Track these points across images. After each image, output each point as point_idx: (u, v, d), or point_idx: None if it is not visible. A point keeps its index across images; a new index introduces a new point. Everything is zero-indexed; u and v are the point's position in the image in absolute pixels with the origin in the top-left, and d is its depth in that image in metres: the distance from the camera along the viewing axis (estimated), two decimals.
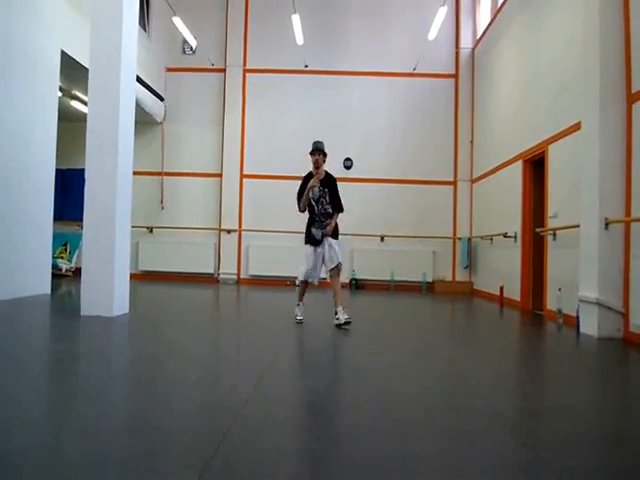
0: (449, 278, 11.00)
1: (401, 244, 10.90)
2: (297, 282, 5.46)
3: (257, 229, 10.97)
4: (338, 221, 5.53)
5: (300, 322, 5.46)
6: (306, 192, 5.36)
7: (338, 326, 5.16)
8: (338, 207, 5.46)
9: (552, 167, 6.93)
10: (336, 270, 5.43)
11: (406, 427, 2.36)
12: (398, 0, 11.22)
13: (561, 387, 3.29)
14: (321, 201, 5.39)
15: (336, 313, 5.25)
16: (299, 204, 5.45)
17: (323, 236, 5.39)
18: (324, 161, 5.41)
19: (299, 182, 5.55)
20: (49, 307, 6.33)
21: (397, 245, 10.88)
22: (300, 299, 5.64)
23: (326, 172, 5.46)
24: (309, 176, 5.46)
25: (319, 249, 5.42)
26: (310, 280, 5.53)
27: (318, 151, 5.38)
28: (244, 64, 11.25)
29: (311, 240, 5.43)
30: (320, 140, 5.57)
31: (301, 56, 10.89)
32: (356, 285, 10.70)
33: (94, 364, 3.42)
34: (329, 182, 5.44)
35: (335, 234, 5.48)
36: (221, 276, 11.02)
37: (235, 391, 2.84)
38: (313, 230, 5.40)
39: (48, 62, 7.01)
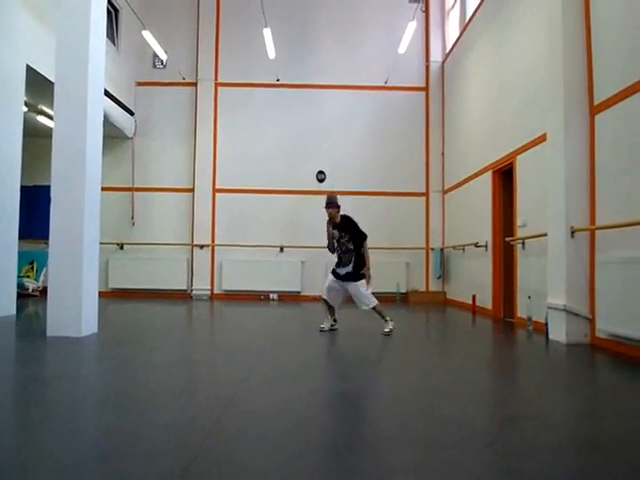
0: (423, 288, 11.09)
1: (375, 256, 10.83)
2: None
3: (230, 244, 10.89)
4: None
5: (322, 330, 5.94)
6: (329, 238, 5.93)
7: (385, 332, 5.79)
8: (360, 239, 5.87)
9: (520, 177, 7.08)
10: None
11: (378, 439, 2.35)
12: (369, 14, 11.41)
13: (531, 394, 3.32)
14: (341, 242, 5.88)
15: (385, 322, 5.87)
16: (329, 249, 6.00)
17: (350, 277, 5.84)
18: (338, 212, 5.90)
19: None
20: (14, 328, 6.12)
21: (371, 257, 10.89)
22: (327, 314, 6.06)
23: (342, 216, 5.94)
24: (330, 221, 5.95)
25: (341, 282, 5.88)
26: (324, 296, 5.99)
27: (331, 204, 5.85)
28: (216, 78, 11.23)
29: (333, 273, 5.98)
30: (333, 195, 5.98)
31: (273, 70, 10.94)
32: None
33: (60, 387, 3.31)
34: (345, 225, 5.89)
35: (358, 275, 5.82)
36: (194, 292, 10.88)
37: (206, 411, 2.78)
38: (337, 270, 5.94)
39: (13, 76, 6.86)
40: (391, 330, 5.79)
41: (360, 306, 5.86)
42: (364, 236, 5.89)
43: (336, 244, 5.93)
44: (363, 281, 5.81)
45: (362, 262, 5.85)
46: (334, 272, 5.96)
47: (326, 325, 6.00)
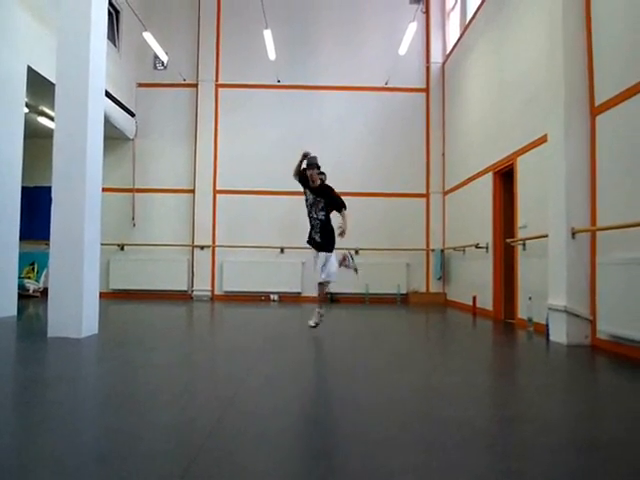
0: (423, 289, 11.08)
1: (375, 257, 10.96)
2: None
3: (231, 245, 10.89)
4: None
5: (313, 327, 5.85)
6: (299, 162, 5.88)
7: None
8: (340, 207, 5.82)
9: (521, 179, 7.08)
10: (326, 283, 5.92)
11: (379, 440, 2.34)
12: (369, 15, 11.42)
13: (532, 396, 3.32)
14: (314, 208, 5.82)
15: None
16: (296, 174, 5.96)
17: (320, 246, 5.83)
18: (319, 175, 5.85)
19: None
20: (15, 329, 6.12)
21: (371, 258, 10.92)
22: (319, 307, 5.96)
23: (321, 183, 5.87)
24: (307, 183, 5.91)
25: (318, 254, 5.84)
26: (319, 279, 5.84)
27: (312, 165, 5.78)
28: (216, 79, 11.24)
29: (311, 242, 5.91)
30: (314, 157, 5.91)
31: (273, 71, 10.95)
32: (331, 299, 10.68)
33: (61, 388, 3.31)
34: (322, 190, 5.84)
35: (331, 245, 5.82)
36: (195, 293, 10.88)
37: (206, 411, 2.78)
38: (312, 233, 5.88)
39: (14, 78, 6.87)
40: (316, 324, 5.83)
41: (321, 275, 5.79)
42: (344, 205, 5.85)
43: (308, 208, 5.89)
44: (334, 255, 5.86)
45: (328, 234, 5.83)
46: (310, 239, 5.92)
47: (315, 320, 5.89)
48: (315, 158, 5.84)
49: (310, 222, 5.90)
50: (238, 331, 6.45)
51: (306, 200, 5.89)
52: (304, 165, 5.87)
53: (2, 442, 2.30)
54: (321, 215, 5.80)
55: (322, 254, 5.82)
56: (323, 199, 5.80)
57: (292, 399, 3.16)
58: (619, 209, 4.78)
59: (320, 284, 5.90)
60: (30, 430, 2.43)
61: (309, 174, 5.78)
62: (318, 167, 5.80)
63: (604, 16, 5.14)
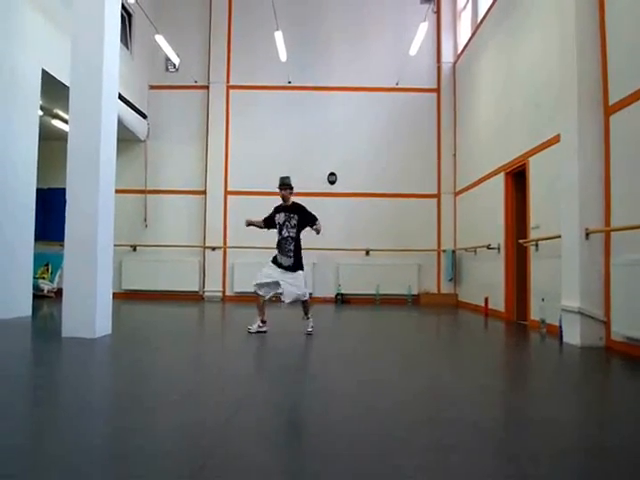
0: (434, 290, 11.03)
1: (386, 258, 10.93)
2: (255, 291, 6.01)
3: (242, 246, 10.92)
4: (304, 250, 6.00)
5: (250, 332, 5.82)
6: (267, 220, 6.05)
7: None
8: (313, 219, 5.93)
9: (533, 179, 7.03)
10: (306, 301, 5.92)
11: (388, 442, 2.34)
12: (379, 16, 11.40)
13: (544, 398, 3.29)
14: (286, 225, 5.88)
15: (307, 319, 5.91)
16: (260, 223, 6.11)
17: (295, 267, 5.84)
18: (291, 194, 5.97)
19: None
20: (30, 329, 6.20)
21: (382, 259, 10.91)
22: (259, 313, 5.92)
23: (293, 202, 5.99)
24: (279, 207, 6.01)
25: (282, 272, 5.82)
26: (260, 293, 5.86)
27: (285, 185, 5.92)
28: (227, 81, 11.30)
29: (274, 260, 5.92)
30: (287, 177, 6.01)
31: (284, 72, 10.97)
32: (342, 300, 10.68)
33: (74, 388, 3.35)
34: (295, 207, 5.96)
35: (300, 265, 5.89)
36: (206, 294, 10.93)
37: (217, 411, 2.80)
38: (277, 256, 5.89)
39: (29, 81, 6.96)
40: (312, 328, 5.84)
41: (298, 296, 5.81)
42: (315, 217, 5.95)
43: (278, 229, 5.92)
44: (303, 273, 5.90)
45: (300, 251, 5.89)
46: (276, 261, 5.90)
47: (254, 327, 5.86)
48: (288, 178, 5.97)
49: (280, 244, 5.89)
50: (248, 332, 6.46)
51: (276, 224, 5.94)
52: (260, 221, 6.11)
53: (15, 441, 2.33)
54: (292, 232, 5.87)
55: (298, 273, 5.83)
56: (297, 215, 5.89)
57: (301, 400, 3.17)
58: (634, 210, 4.72)
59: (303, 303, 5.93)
60: (42, 429, 2.46)
61: (282, 194, 5.92)
62: (291, 188, 5.95)
63: (618, 13, 5.08)
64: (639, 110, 4.67)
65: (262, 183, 10.95)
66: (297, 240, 5.90)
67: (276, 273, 5.82)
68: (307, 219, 5.93)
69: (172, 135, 11.30)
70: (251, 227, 6.19)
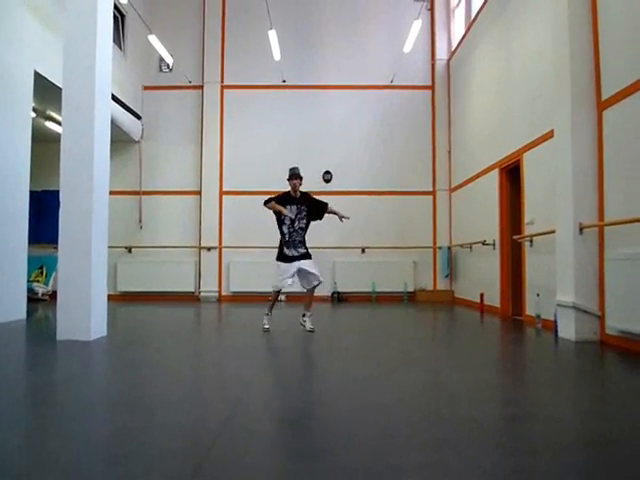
0: (430, 287, 11.06)
1: (382, 255, 10.94)
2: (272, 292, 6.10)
3: (238, 245, 10.92)
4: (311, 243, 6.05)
5: (267, 331, 5.85)
6: (278, 209, 5.85)
7: (304, 327, 5.86)
8: (323, 207, 6.06)
9: (527, 175, 7.05)
10: (314, 288, 5.93)
11: (388, 438, 2.34)
12: (373, 14, 11.40)
13: (541, 393, 3.31)
14: (297, 217, 5.90)
15: (304, 315, 5.89)
16: (266, 204, 5.96)
17: (305, 255, 5.88)
18: (301, 184, 5.99)
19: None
20: (24, 333, 6.18)
21: (378, 256, 10.92)
22: (269, 311, 6.06)
23: (301, 193, 6.02)
24: (286, 195, 5.99)
25: (296, 264, 5.84)
26: (280, 287, 5.93)
27: (295, 175, 5.94)
28: (222, 80, 11.27)
29: (284, 259, 5.88)
30: (295, 166, 6.10)
31: (279, 71, 10.96)
32: (338, 298, 10.69)
33: (71, 390, 3.34)
34: (304, 197, 6.00)
35: (310, 254, 5.95)
36: (202, 294, 10.92)
37: (215, 411, 2.79)
38: (286, 251, 5.87)
39: (21, 83, 6.93)
40: (313, 325, 5.86)
41: (312, 282, 5.86)
42: (325, 203, 6.07)
43: (289, 222, 5.87)
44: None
45: (306, 241, 5.96)
46: (285, 257, 5.86)
47: (268, 322, 5.98)
48: (297, 168, 6.00)
49: (289, 236, 5.88)
50: (245, 331, 6.46)
51: (283, 217, 5.87)
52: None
53: (14, 443, 2.32)
54: (303, 224, 5.92)
55: (310, 261, 5.88)
56: (306, 206, 5.93)
57: (300, 398, 3.17)
58: (627, 204, 4.74)
59: (312, 289, 5.93)
60: (40, 431, 2.46)
61: (293, 184, 5.91)
62: (301, 177, 5.95)
63: (611, 9, 5.10)
64: (632, 105, 4.69)
65: (257, 182, 10.96)
66: (306, 230, 5.97)
67: (292, 267, 5.84)
68: (318, 207, 6.00)
69: (166, 135, 11.27)
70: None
